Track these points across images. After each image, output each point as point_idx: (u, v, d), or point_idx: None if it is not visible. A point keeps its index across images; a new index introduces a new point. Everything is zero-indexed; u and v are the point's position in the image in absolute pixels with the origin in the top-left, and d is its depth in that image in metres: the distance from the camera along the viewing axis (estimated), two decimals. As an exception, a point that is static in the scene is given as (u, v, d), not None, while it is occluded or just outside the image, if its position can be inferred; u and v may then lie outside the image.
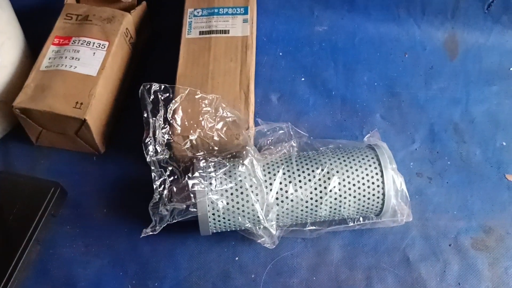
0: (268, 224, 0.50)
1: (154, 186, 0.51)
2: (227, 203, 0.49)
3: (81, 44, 0.59)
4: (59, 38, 0.60)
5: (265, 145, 0.56)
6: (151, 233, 0.50)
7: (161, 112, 0.53)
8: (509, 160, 0.63)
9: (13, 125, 0.62)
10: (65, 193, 0.57)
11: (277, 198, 0.50)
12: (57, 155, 0.61)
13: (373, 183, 0.51)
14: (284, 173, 0.51)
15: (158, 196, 0.51)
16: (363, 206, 0.52)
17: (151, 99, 0.53)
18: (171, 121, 0.53)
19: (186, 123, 0.54)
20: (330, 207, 0.51)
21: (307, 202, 0.51)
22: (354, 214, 0.53)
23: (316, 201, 0.51)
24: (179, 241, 0.55)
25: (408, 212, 0.54)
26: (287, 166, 0.51)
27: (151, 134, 0.52)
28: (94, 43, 0.59)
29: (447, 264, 0.55)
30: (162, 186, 0.51)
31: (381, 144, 0.55)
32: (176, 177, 0.52)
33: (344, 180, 0.51)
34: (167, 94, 0.54)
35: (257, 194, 0.50)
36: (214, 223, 0.50)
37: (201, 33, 0.61)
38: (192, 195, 0.49)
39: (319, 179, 0.50)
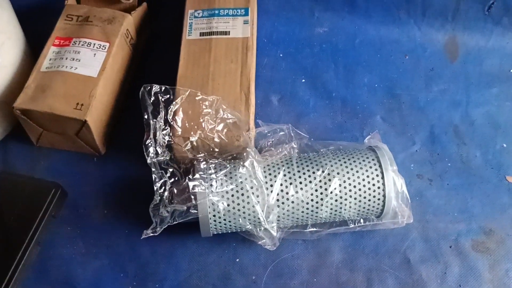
0: (268, 225, 0.50)
1: (155, 188, 0.51)
2: (228, 205, 0.49)
3: (82, 45, 0.59)
4: (60, 39, 0.60)
5: (266, 147, 0.56)
6: (151, 234, 0.50)
7: (162, 114, 0.53)
8: (510, 162, 0.63)
9: (13, 126, 0.62)
10: (66, 194, 0.57)
11: (277, 200, 0.50)
12: (58, 156, 0.61)
13: (373, 184, 0.51)
14: (284, 175, 0.51)
15: (159, 197, 0.51)
16: (364, 207, 0.52)
17: (151, 101, 0.53)
18: (172, 123, 0.53)
19: (187, 124, 0.54)
20: (331, 209, 0.51)
21: (307, 203, 0.50)
22: (355, 215, 0.53)
23: (317, 202, 0.51)
24: (180, 242, 0.55)
25: (409, 214, 0.54)
26: (288, 167, 0.51)
27: (151, 136, 0.52)
28: (94, 44, 0.59)
29: (447, 266, 0.55)
30: (163, 187, 0.51)
31: (381, 145, 0.55)
32: (176, 178, 0.52)
33: (344, 181, 0.51)
34: (168, 96, 0.54)
35: (257, 196, 0.50)
36: (215, 225, 0.50)
37: (201, 34, 0.61)
38: (192, 197, 0.49)
39: (320, 181, 0.50)
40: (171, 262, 0.54)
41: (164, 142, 0.53)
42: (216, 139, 0.54)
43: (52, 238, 0.55)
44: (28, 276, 0.52)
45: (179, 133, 0.53)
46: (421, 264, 0.55)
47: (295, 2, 0.74)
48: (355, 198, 0.51)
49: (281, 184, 0.50)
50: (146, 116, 0.52)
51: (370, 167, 0.51)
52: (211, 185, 0.49)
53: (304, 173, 0.51)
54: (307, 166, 0.52)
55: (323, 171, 0.51)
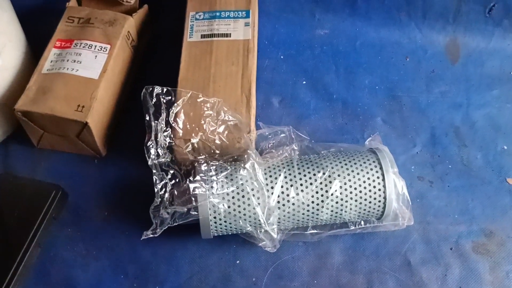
0: (269, 227, 0.50)
1: (156, 189, 0.51)
2: (228, 207, 0.49)
3: (83, 47, 0.59)
4: (61, 41, 0.60)
5: (267, 149, 0.56)
6: (151, 235, 0.50)
7: (163, 115, 0.53)
8: (510, 164, 0.63)
9: (14, 128, 0.62)
10: (66, 196, 0.57)
11: (278, 202, 0.50)
12: (58, 158, 0.61)
13: (374, 186, 0.51)
14: (285, 177, 0.51)
15: (159, 199, 0.51)
16: (364, 209, 0.52)
17: (153, 102, 0.53)
18: (173, 124, 0.53)
19: (188, 126, 0.54)
20: (332, 211, 0.51)
21: (308, 205, 0.50)
22: (355, 217, 0.53)
23: (318, 204, 0.51)
24: (180, 244, 0.55)
25: (409, 215, 0.54)
26: (289, 169, 0.51)
27: (153, 137, 0.52)
28: (96, 46, 0.59)
29: (448, 268, 0.55)
30: (164, 189, 0.51)
31: (382, 147, 0.55)
32: (177, 180, 0.52)
33: (345, 183, 0.51)
34: (169, 97, 0.54)
35: (258, 198, 0.50)
36: (215, 227, 0.50)
37: (202, 36, 0.61)
38: (193, 199, 0.49)
39: (321, 183, 0.50)
40: (172, 263, 0.54)
41: (165, 144, 0.53)
42: (217, 141, 0.54)
43: (53, 240, 0.55)
44: (28, 278, 0.52)
45: (180, 135, 0.53)
46: (421, 266, 0.55)
47: (296, 4, 0.74)
48: (355, 200, 0.51)
49: (282, 186, 0.50)
50: (147, 118, 0.52)
51: (371, 169, 0.51)
52: (212, 187, 0.49)
53: (305, 175, 0.51)
54: (308, 168, 0.52)
55: (323, 173, 0.51)
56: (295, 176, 0.51)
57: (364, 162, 0.52)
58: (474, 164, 0.63)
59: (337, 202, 0.51)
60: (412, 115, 0.67)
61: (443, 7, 0.72)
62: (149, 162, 0.52)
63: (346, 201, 0.51)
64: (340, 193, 0.51)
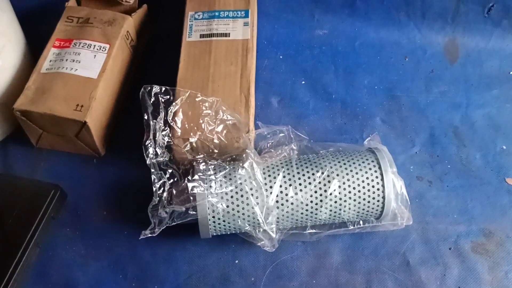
0: (268, 227, 0.50)
1: (154, 189, 0.51)
2: (227, 206, 0.49)
3: (82, 46, 0.59)
4: (60, 41, 0.60)
5: (266, 148, 0.56)
6: (150, 235, 0.50)
7: (162, 115, 0.53)
8: (509, 164, 0.63)
9: (13, 128, 0.62)
10: (65, 196, 0.57)
11: (277, 201, 0.50)
12: (57, 158, 0.61)
13: (373, 186, 0.51)
14: (284, 176, 0.51)
15: (158, 198, 0.51)
16: (363, 209, 0.52)
17: (151, 102, 0.53)
18: (172, 124, 0.53)
19: (187, 125, 0.54)
20: (330, 210, 0.51)
21: (307, 205, 0.50)
22: (354, 217, 0.53)
23: (316, 204, 0.50)
24: (179, 244, 0.55)
25: (408, 215, 0.54)
26: (287, 169, 0.51)
27: (151, 137, 0.52)
28: (95, 45, 0.59)
29: (447, 268, 0.55)
30: (162, 188, 0.51)
31: (381, 147, 0.55)
32: (175, 179, 0.52)
33: (344, 183, 0.51)
34: (168, 97, 0.54)
35: (257, 197, 0.50)
36: (214, 226, 0.50)
37: (201, 36, 0.61)
38: (191, 198, 0.49)
39: (319, 182, 0.50)
40: (171, 264, 0.54)
41: (164, 143, 0.53)
42: (216, 141, 0.54)
43: (52, 240, 0.55)
44: (27, 278, 0.52)
45: (179, 134, 0.53)
46: (420, 266, 0.54)
47: (295, 4, 0.74)
48: (354, 200, 0.51)
49: (281, 186, 0.50)
50: (146, 117, 0.52)
51: (370, 169, 0.51)
52: (211, 186, 0.49)
53: (303, 175, 0.51)
54: (307, 167, 0.52)
55: (322, 173, 0.51)
56: (294, 176, 0.51)
57: (363, 162, 0.52)
58: (473, 164, 0.63)
59: (336, 202, 0.51)
60: (411, 115, 0.67)
61: (442, 7, 0.72)
62: (148, 161, 0.52)
63: (345, 201, 0.51)
64: (339, 193, 0.51)
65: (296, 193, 0.50)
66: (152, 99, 0.53)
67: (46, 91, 0.55)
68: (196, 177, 0.50)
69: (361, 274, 0.54)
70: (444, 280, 0.54)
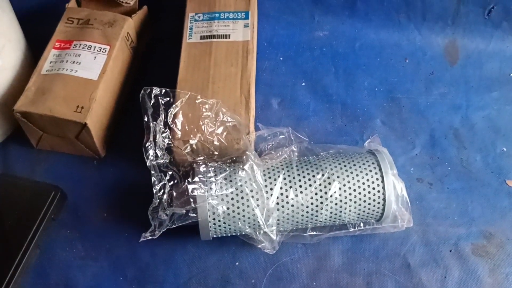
0: (268, 229, 0.50)
1: (154, 191, 0.51)
2: (227, 208, 0.49)
3: (82, 48, 0.59)
4: (60, 42, 0.60)
5: (266, 150, 0.56)
6: (150, 237, 0.50)
7: (162, 117, 0.53)
8: (510, 166, 0.63)
9: (13, 129, 0.62)
10: (65, 197, 0.57)
11: (277, 203, 0.50)
12: (57, 159, 0.61)
13: (373, 188, 0.51)
14: (284, 178, 0.51)
15: (158, 200, 0.51)
16: (364, 211, 0.52)
17: (151, 103, 0.53)
18: (172, 126, 0.53)
19: (187, 127, 0.54)
20: (331, 212, 0.51)
21: (307, 207, 0.50)
22: (355, 219, 0.53)
23: (317, 206, 0.50)
24: (179, 245, 0.55)
25: (409, 217, 0.54)
26: (288, 171, 0.51)
27: (151, 138, 0.52)
28: (95, 47, 0.59)
29: (447, 270, 0.54)
30: (162, 190, 0.51)
31: (381, 149, 0.55)
32: (176, 181, 0.52)
33: (344, 185, 0.51)
34: (168, 98, 0.54)
35: (257, 199, 0.49)
36: (214, 228, 0.50)
37: (202, 37, 0.61)
38: (192, 200, 0.49)
39: (320, 184, 0.50)
40: (171, 265, 0.54)
41: (164, 145, 0.53)
42: (216, 142, 0.54)
43: (52, 241, 0.55)
44: (27, 279, 0.52)
45: (179, 136, 0.53)
46: (421, 268, 0.54)
47: (295, 5, 0.74)
48: (355, 202, 0.51)
49: (281, 188, 0.50)
50: (146, 119, 0.52)
51: (370, 171, 0.51)
52: (211, 188, 0.49)
53: (304, 177, 0.51)
54: (307, 169, 0.51)
55: (323, 175, 0.51)
56: (294, 178, 0.51)
57: (363, 164, 0.52)
58: (474, 166, 0.63)
59: (336, 204, 0.51)
60: (411, 116, 0.67)
61: (442, 9, 0.72)
62: (148, 163, 0.52)
63: (345, 203, 0.51)
64: (339, 195, 0.50)
65: (296, 195, 0.50)
66: (152, 101, 0.53)
67: (46, 92, 0.55)
68: (196, 179, 0.50)
69: (362, 276, 0.54)
70: (444, 282, 0.54)
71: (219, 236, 0.52)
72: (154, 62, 0.70)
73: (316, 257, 0.55)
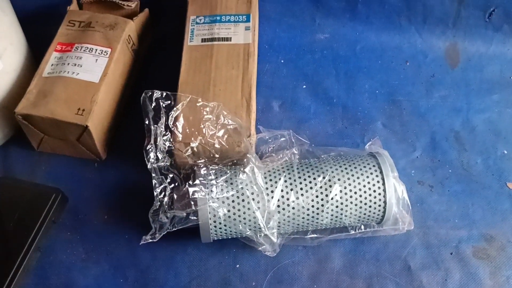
0: (269, 231, 0.50)
1: (155, 193, 0.51)
2: (228, 211, 0.49)
3: (84, 50, 0.59)
4: (62, 45, 0.60)
5: (267, 153, 0.56)
6: (150, 240, 0.50)
7: (163, 119, 0.53)
8: (510, 168, 0.63)
9: (14, 131, 0.62)
10: (66, 199, 0.57)
11: (278, 206, 0.50)
12: (58, 161, 0.61)
13: (374, 191, 0.51)
14: (285, 181, 0.51)
15: (159, 203, 0.51)
16: (365, 214, 0.52)
17: (152, 106, 0.53)
18: (173, 128, 0.53)
19: (188, 130, 0.54)
20: (332, 215, 0.51)
21: (308, 210, 0.50)
22: (356, 222, 0.53)
23: (318, 208, 0.50)
24: (180, 248, 0.55)
25: (410, 220, 0.54)
26: (289, 173, 0.51)
27: (152, 141, 0.52)
28: (96, 49, 0.59)
29: (448, 273, 0.54)
30: (163, 193, 0.51)
31: (382, 152, 0.55)
32: (176, 184, 0.52)
33: (345, 188, 0.51)
34: (169, 101, 0.54)
35: (258, 202, 0.49)
36: (215, 231, 0.50)
37: (203, 40, 0.61)
38: (192, 203, 0.49)
39: (321, 187, 0.50)
40: (171, 267, 0.54)
41: (165, 148, 0.53)
42: (217, 145, 0.54)
43: (52, 244, 0.55)
44: (27, 282, 0.52)
45: (180, 138, 0.53)
46: (421, 271, 0.54)
47: (296, 8, 0.75)
48: (355, 205, 0.51)
49: (282, 190, 0.50)
50: (147, 122, 0.52)
51: (371, 173, 0.51)
52: (212, 191, 0.49)
53: (305, 179, 0.51)
54: (308, 172, 0.51)
55: (324, 177, 0.51)
56: (295, 180, 0.51)
57: (364, 166, 0.52)
58: (474, 169, 0.63)
59: (337, 206, 0.51)
60: (412, 119, 0.67)
61: (443, 12, 0.72)
62: (149, 166, 0.52)
63: (346, 205, 0.51)
64: (340, 197, 0.51)
65: (297, 198, 0.50)
66: (153, 104, 0.53)
67: (48, 95, 0.55)
68: (197, 181, 0.50)
69: (362, 279, 0.54)
70: (445, 285, 0.54)
71: (220, 238, 0.52)
72: (155, 64, 0.70)
73: (316, 260, 0.55)
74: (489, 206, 0.59)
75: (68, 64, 0.58)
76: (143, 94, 0.53)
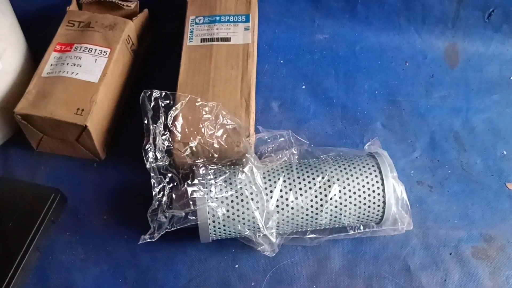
0: (268, 232, 0.50)
1: (153, 193, 0.51)
2: (227, 211, 0.49)
3: (83, 50, 0.59)
4: (61, 45, 0.60)
5: (266, 153, 0.56)
6: (149, 240, 0.50)
7: (162, 119, 0.53)
8: (510, 169, 0.63)
9: (14, 131, 0.62)
10: (65, 200, 0.57)
11: (277, 206, 0.50)
12: (58, 162, 0.61)
13: (373, 191, 0.51)
14: (284, 181, 0.51)
15: (157, 202, 0.51)
16: (364, 214, 0.52)
17: (151, 106, 0.53)
18: (172, 128, 0.53)
19: (187, 130, 0.54)
20: (331, 215, 0.51)
21: (307, 210, 0.50)
22: (355, 222, 0.53)
23: (317, 209, 0.50)
24: (179, 248, 0.55)
25: (409, 220, 0.54)
26: (288, 173, 0.51)
27: (151, 141, 0.52)
28: (96, 50, 0.59)
29: (447, 273, 0.54)
30: (162, 192, 0.51)
31: (381, 152, 0.55)
32: (175, 184, 0.52)
33: (344, 188, 0.51)
34: (168, 101, 0.54)
35: (257, 202, 0.49)
36: (214, 231, 0.50)
37: (202, 40, 0.61)
38: (191, 202, 0.49)
39: (320, 187, 0.50)
40: (171, 268, 0.54)
41: (164, 147, 0.53)
42: (216, 145, 0.54)
43: (51, 244, 0.55)
44: (26, 282, 0.52)
45: (179, 138, 0.53)
46: (421, 271, 0.54)
47: (296, 9, 0.75)
48: (355, 205, 0.51)
49: (281, 190, 0.50)
50: (146, 121, 0.52)
51: (370, 174, 0.51)
52: (210, 190, 0.49)
53: (304, 179, 0.51)
54: (307, 172, 0.51)
55: (323, 177, 0.51)
56: (294, 180, 0.51)
57: (364, 167, 0.52)
58: (474, 169, 0.63)
59: (336, 207, 0.51)
60: (411, 119, 0.67)
61: (442, 12, 0.72)
62: (147, 166, 0.52)
63: (345, 206, 0.51)
64: (339, 198, 0.50)
65: (296, 198, 0.50)
66: (152, 104, 0.53)
67: (47, 95, 0.55)
68: (196, 181, 0.50)
69: (362, 279, 0.54)
70: (444, 285, 0.54)
71: (219, 238, 0.52)
72: (155, 65, 0.70)
73: (316, 260, 0.55)
74: (488, 207, 0.59)
75: (68, 64, 0.58)
76: (142, 94, 0.53)
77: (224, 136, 0.54)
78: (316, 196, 0.50)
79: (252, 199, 0.49)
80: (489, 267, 0.55)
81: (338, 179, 0.51)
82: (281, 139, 0.57)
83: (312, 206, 0.50)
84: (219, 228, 0.50)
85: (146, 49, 0.70)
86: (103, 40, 0.60)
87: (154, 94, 0.53)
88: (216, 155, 0.54)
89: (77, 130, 0.55)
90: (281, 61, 0.72)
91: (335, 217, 0.51)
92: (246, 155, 0.52)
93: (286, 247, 0.54)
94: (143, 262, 0.54)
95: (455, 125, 0.67)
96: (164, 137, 0.53)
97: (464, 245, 0.56)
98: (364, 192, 0.51)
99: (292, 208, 0.50)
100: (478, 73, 0.72)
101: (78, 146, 0.58)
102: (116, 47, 0.60)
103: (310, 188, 0.50)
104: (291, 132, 0.57)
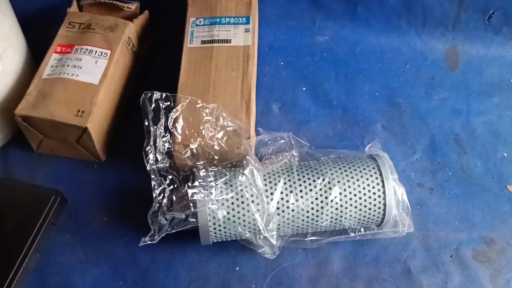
0: (268, 234, 0.50)
1: (154, 195, 0.51)
2: (228, 213, 0.49)
3: (83, 52, 0.59)
4: (62, 46, 0.60)
5: (266, 155, 0.56)
6: (149, 242, 0.50)
7: (162, 121, 0.53)
8: (510, 171, 0.63)
9: (14, 133, 0.62)
10: (65, 201, 0.57)
11: (277, 208, 0.50)
12: (58, 163, 0.61)
13: (374, 193, 0.51)
14: (285, 183, 0.51)
15: (158, 204, 0.51)
16: (364, 216, 0.52)
17: (152, 108, 0.53)
18: (172, 130, 0.53)
19: (187, 132, 0.54)
20: (331, 217, 0.51)
21: (308, 212, 0.50)
22: (355, 224, 0.53)
23: (317, 211, 0.50)
24: (179, 250, 0.55)
25: (409, 223, 0.54)
26: (288, 175, 0.51)
27: (151, 143, 0.52)
28: (96, 51, 0.59)
29: (448, 276, 0.54)
30: (162, 194, 0.51)
31: (382, 154, 0.55)
32: (176, 186, 0.52)
33: (345, 190, 0.51)
34: (168, 103, 0.54)
35: (257, 204, 0.49)
36: (215, 233, 0.50)
37: (203, 42, 0.61)
38: (191, 204, 0.49)
39: (320, 189, 0.50)
40: (171, 270, 0.54)
41: (164, 149, 0.53)
42: (216, 147, 0.54)
43: (52, 245, 0.55)
44: (27, 283, 0.52)
45: (179, 140, 0.53)
46: (421, 274, 0.54)
47: (296, 10, 0.75)
48: (355, 207, 0.51)
49: (281, 192, 0.50)
50: (146, 123, 0.52)
51: (371, 176, 0.51)
52: (211, 193, 0.49)
53: (304, 181, 0.51)
54: (308, 174, 0.51)
55: (323, 180, 0.51)
56: (294, 182, 0.51)
57: (364, 169, 0.52)
58: (474, 171, 0.63)
59: (336, 209, 0.51)
60: (412, 121, 0.67)
61: (442, 14, 0.72)
62: (148, 167, 0.52)
63: (346, 208, 0.51)
64: (340, 200, 0.50)
65: (297, 200, 0.50)
66: (153, 105, 0.53)
67: (47, 97, 0.55)
68: (196, 183, 0.50)
69: (362, 282, 0.54)
70: (445, 288, 0.54)
71: (219, 240, 0.52)
72: (155, 66, 0.70)
73: (316, 262, 0.55)
74: (489, 209, 0.59)
75: (68, 65, 0.58)
76: (143, 95, 0.53)
77: (225, 138, 0.54)
78: (316, 198, 0.50)
79: (253, 201, 0.49)
80: (489, 269, 0.55)
81: (338, 181, 0.51)
82: (282, 141, 0.57)
83: (312, 208, 0.50)
84: (220, 230, 0.50)
85: (147, 50, 0.70)
86: (104, 42, 0.60)
87: (154, 95, 0.53)
88: (216, 157, 0.54)
89: (78, 132, 0.55)
90: (282, 63, 0.72)
91: (336, 219, 0.51)
92: (247, 157, 0.52)
93: (287, 249, 0.54)
94: (143, 264, 0.54)
95: (456, 127, 0.67)
96: (164, 139, 0.53)
97: (464, 247, 0.56)
98: (364, 194, 0.51)
99: (293, 210, 0.50)
100: (479, 75, 0.72)
101: (78, 147, 0.58)
102: (117, 48, 0.60)
103: (310, 190, 0.50)
104: (291, 134, 0.57)
